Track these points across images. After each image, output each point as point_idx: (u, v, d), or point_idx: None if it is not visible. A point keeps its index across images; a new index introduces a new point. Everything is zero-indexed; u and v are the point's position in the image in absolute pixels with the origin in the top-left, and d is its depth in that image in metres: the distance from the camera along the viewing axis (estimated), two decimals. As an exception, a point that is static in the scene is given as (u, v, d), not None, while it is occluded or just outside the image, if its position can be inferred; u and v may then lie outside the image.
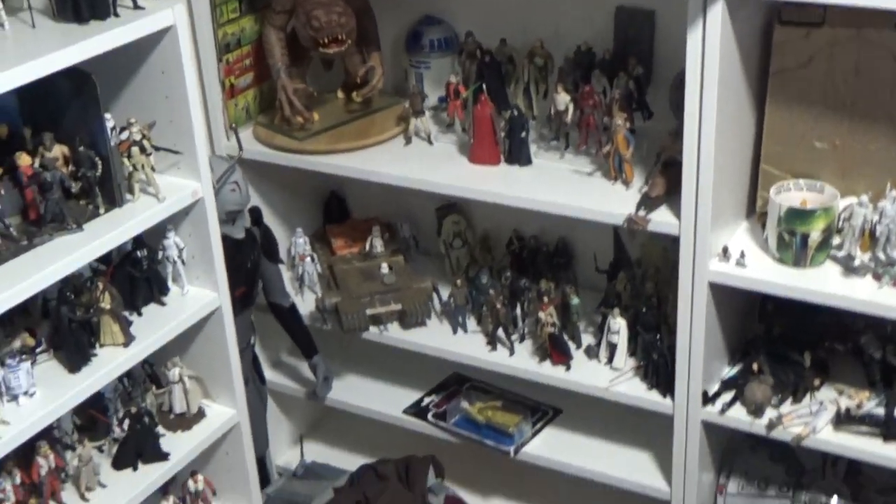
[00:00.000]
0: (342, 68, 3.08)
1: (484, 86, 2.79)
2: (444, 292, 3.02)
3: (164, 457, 2.56)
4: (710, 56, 2.26)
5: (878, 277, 2.32)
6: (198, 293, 2.57)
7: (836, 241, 2.41)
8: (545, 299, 2.77)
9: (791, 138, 2.49)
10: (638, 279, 2.81)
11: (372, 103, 3.05)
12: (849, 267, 2.37)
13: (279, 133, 2.99)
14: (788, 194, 2.44)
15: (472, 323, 2.96)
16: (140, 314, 2.49)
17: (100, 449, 2.55)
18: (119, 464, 2.53)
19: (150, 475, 2.53)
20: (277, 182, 3.15)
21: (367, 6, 2.99)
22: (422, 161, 2.84)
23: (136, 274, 2.46)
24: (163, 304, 2.53)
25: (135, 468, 2.53)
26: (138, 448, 2.52)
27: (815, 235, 2.36)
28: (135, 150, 2.37)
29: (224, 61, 2.97)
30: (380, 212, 3.31)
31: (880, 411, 2.46)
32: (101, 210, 2.35)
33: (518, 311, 2.89)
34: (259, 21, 3.01)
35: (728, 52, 2.30)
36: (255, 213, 2.93)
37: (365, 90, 3.01)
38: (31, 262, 2.17)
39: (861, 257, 2.37)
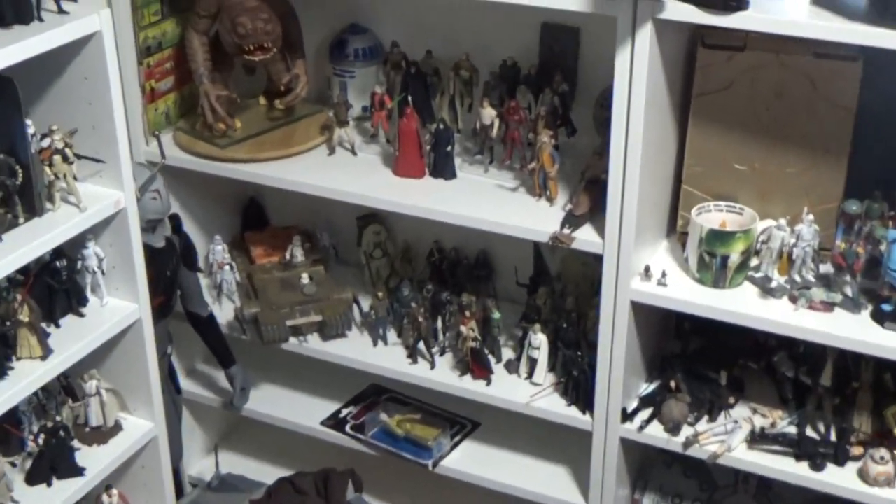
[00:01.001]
0: (265, 74, 3.09)
1: (409, 98, 2.82)
2: (365, 303, 3.05)
3: (79, 472, 2.54)
4: (637, 76, 2.33)
5: (793, 300, 2.41)
6: (117, 304, 2.56)
7: (754, 262, 2.50)
8: (467, 313, 2.81)
9: (712, 160, 2.58)
10: (558, 294, 2.88)
11: (295, 111, 3.07)
12: (766, 288, 2.46)
13: (201, 139, 2.98)
14: (709, 215, 2.52)
15: (392, 335, 3.00)
16: (58, 326, 2.47)
17: (12, 464, 2.52)
18: (33, 479, 2.50)
19: (65, 491, 2.51)
20: (196, 188, 3.14)
21: (293, 13, 3.00)
22: (345, 171, 2.86)
23: (55, 285, 2.44)
24: (82, 315, 2.51)
25: (49, 484, 2.51)
26: (53, 463, 2.50)
27: (735, 257, 2.45)
28: (56, 158, 2.35)
29: (144, 65, 2.95)
30: (299, 219, 3.32)
31: (793, 430, 2.56)
32: (21, 219, 2.32)
33: (439, 324, 2.93)
34: (181, 25, 2.99)
35: (654, 73, 2.37)
36: (175, 221, 2.92)
37: (288, 98, 3.02)
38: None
39: (778, 279, 2.47)
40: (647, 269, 2.52)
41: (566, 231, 2.53)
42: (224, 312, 3.09)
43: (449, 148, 2.77)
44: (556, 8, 2.38)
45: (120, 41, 2.84)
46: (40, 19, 2.27)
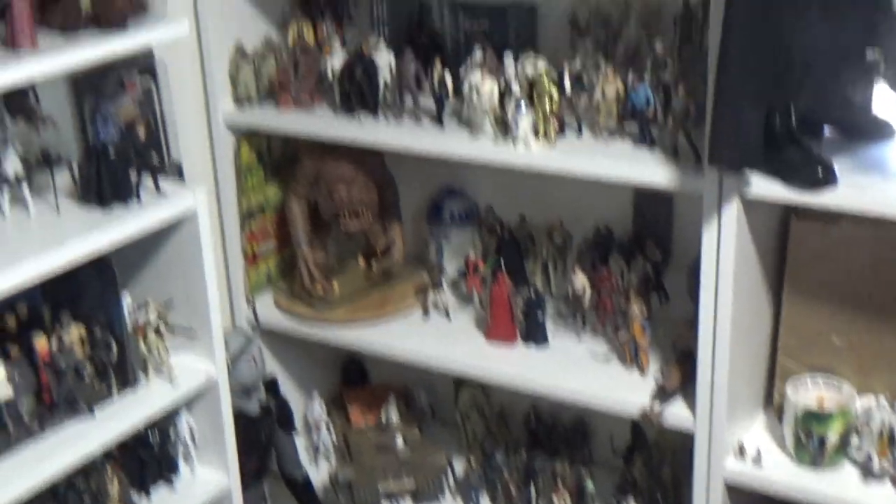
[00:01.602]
0: (363, 235, 3.15)
1: (502, 262, 2.84)
2: (459, 463, 3.03)
3: None
4: (725, 250, 2.30)
5: (896, 483, 2.31)
6: (208, 475, 2.59)
7: (854, 441, 2.40)
8: (560, 483, 2.77)
9: (808, 332, 2.51)
10: (655, 463, 2.81)
11: (392, 273, 3.11)
12: (867, 470, 2.36)
13: (299, 301, 3.04)
14: (805, 392, 2.44)
15: (485, 500, 2.96)
16: (148, 495, 2.52)
17: None
18: None
19: None
20: (296, 346, 3.19)
21: (390, 177, 3.07)
22: (439, 336, 2.88)
23: (146, 456, 2.49)
24: (172, 485, 2.55)
25: None
26: None
27: (833, 438, 2.36)
28: (150, 332, 2.42)
29: (247, 229, 3.04)
30: (398, 376, 3.34)
31: None
32: (115, 391, 2.39)
33: (532, 492, 2.88)
34: (283, 189, 3.09)
35: (743, 245, 2.34)
36: (271, 385, 2.96)
37: (384, 263, 3.07)
38: (42, 452, 2.21)
39: (880, 461, 2.36)
40: (741, 447, 2.45)
41: (655, 408, 2.48)
42: (320, 473, 3.10)
43: (541, 315, 2.77)
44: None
45: (224, 206, 2.97)
46: (139, 198, 2.37)
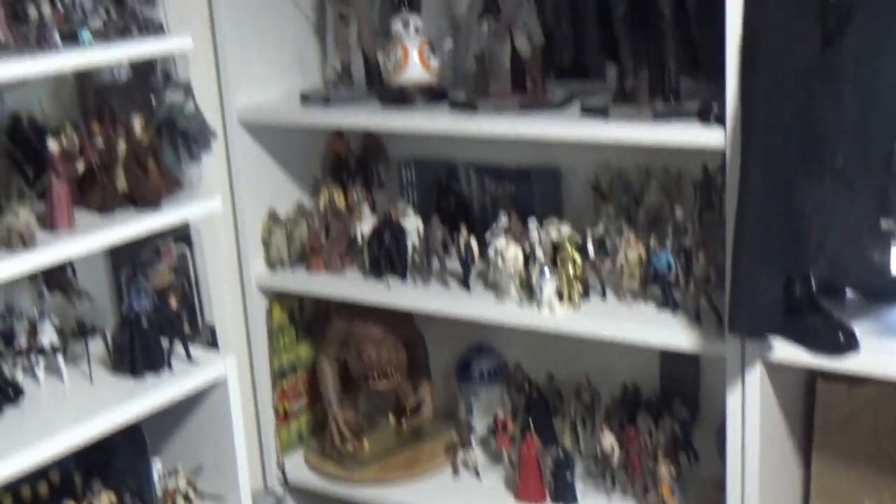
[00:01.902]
0: (393, 393, 3.17)
1: (531, 421, 2.85)
2: None
3: None
4: (750, 415, 2.31)
5: None
6: None
7: None
8: None
9: (839, 494, 2.49)
10: None
11: (422, 431, 3.12)
12: None
13: (329, 460, 3.06)
14: (837, 558, 2.41)
15: None
16: None
17: None
18: None
19: None
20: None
21: (419, 336, 3.11)
22: (469, 496, 2.88)
23: None
24: None
25: None
26: None
27: None
28: (179, 499, 2.44)
29: (279, 387, 3.08)
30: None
31: None
32: (143, 560, 2.41)
33: None
34: (314, 348, 3.14)
35: (769, 408, 2.35)
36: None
37: (414, 421, 3.09)
38: None
39: None
40: None
41: (685, 574, 2.46)
42: None
43: (569, 475, 2.76)
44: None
45: (256, 365, 3.02)
46: (170, 367, 2.43)
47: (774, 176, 2.14)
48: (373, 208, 2.96)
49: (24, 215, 2.10)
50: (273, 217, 2.97)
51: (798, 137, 2.11)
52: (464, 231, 2.71)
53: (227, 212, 2.89)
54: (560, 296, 2.56)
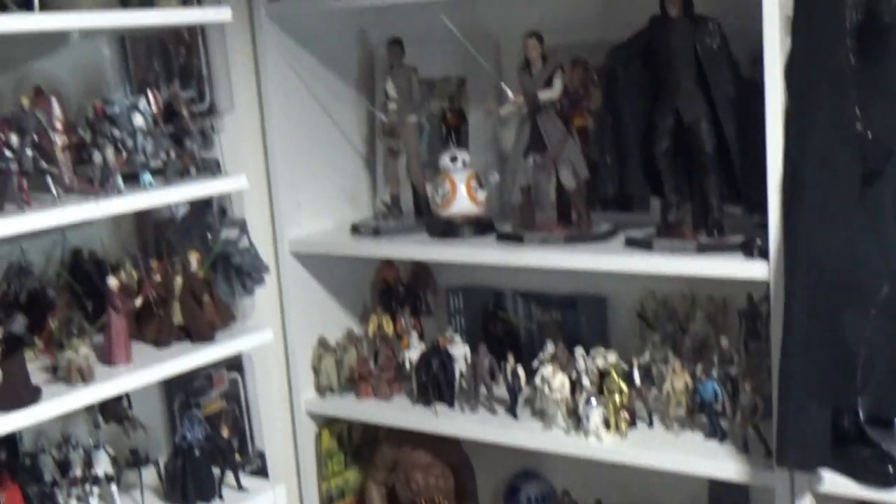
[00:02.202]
0: None
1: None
2: None
3: None
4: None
5: None
6: None
7: None
8: None
9: None
10: None
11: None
12: None
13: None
14: None
15: None
16: None
17: None
18: None
19: None
20: None
21: (466, 462, 3.11)
22: None
23: None
24: None
25: None
26: None
27: None
28: None
29: (327, 515, 3.10)
30: None
31: None
32: None
33: None
34: (362, 473, 3.15)
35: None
36: None
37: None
38: None
39: None
40: None
41: None
42: None
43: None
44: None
45: (305, 491, 3.04)
46: (221, 497, 2.45)
47: (819, 308, 2.15)
48: (421, 335, 2.99)
49: (83, 351, 2.16)
50: (323, 344, 3.02)
51: (842, 270, 2.13)
52: (511, 359, 2.74)
53: (279, 339, 2.94)
54: (607, 424, 2.56)
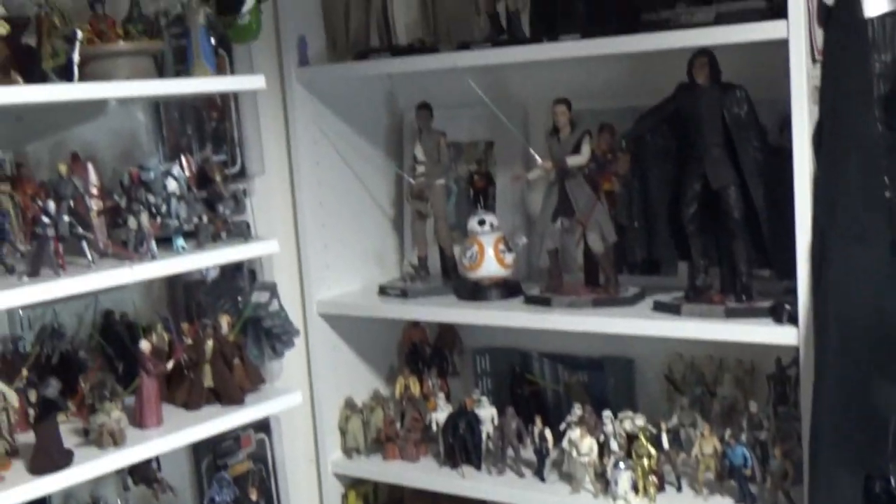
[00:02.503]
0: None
1: None
2: None
3: None
4: None
5: None
6: None
7: None
8: None
9: None
10: None
11: None
12: None
13: None
14: None
15: None
16: None
17: None
18: None
19: None
20: None
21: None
22: None
23: None
24: None
25: None
26: None
27: None
28: None
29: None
30: None
31: None
32: None
33: None
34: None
35: None
36: None
37: None
38: None
39: None
40: None
41: None
42: None
43: None
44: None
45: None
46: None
47: (849, 375, 2.15)
48: (448, 397, 2.99)
49: (115, 414, 2.17)
50: (350, 405, 3.02)
51: (872, 338, 2.13)
52: (538, 421, 2.73)
53: (306, 400, 2.94)
54: (635, 488, 2.54)
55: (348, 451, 3.02)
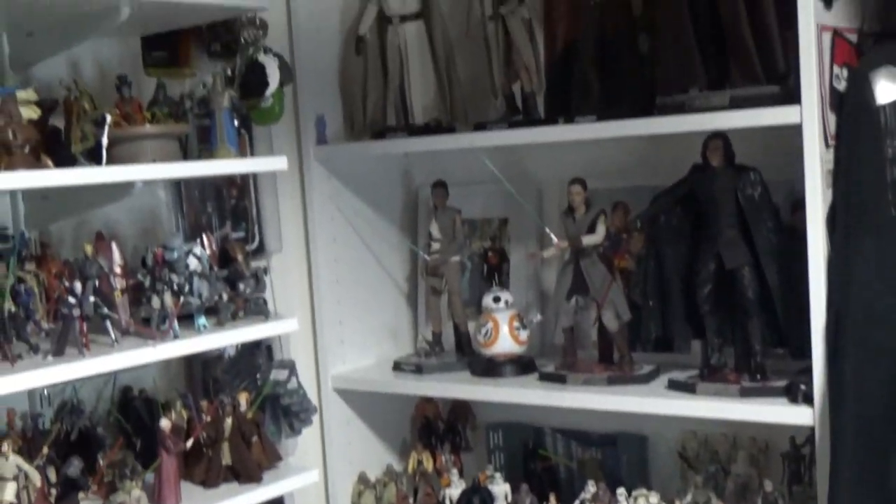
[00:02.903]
0: None
1: None
2: None
3: None
4: None
5: None
6: None
7: None
8: None
9: None
10: None
11: None
12: None
13: None
14: None
15: None
16: None
17: None
18: None
19: None
20: None
21: None
22: None
23: None
24: None
25: None
26: None
27: None
28: None
29: None
30: None
31: None
32: None
33: None
34: None
35: None
36: None
37: None
38: None
39: None
40: None
41: None
42: None
43: None
44: None
45: None
46: None
47: (866, 455, 2.15)
48: (461, 472, 2.98)
49: (136, 493, 2.17)
50: (363, 480, 3.01)
51: (889, 417, 2.13)
52: (552, 499, 2.73)
53: (319, 475, 2.93)
54: (651, 556, 2.54)
55: (360, 523, 3.01)
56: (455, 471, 2.96)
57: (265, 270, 2.50)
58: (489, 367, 2.79)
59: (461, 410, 3.14)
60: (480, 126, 2.72)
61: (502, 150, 2.86)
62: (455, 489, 2.89)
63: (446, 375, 2.87)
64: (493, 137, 2.69)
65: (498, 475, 2.87)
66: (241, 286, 2.42)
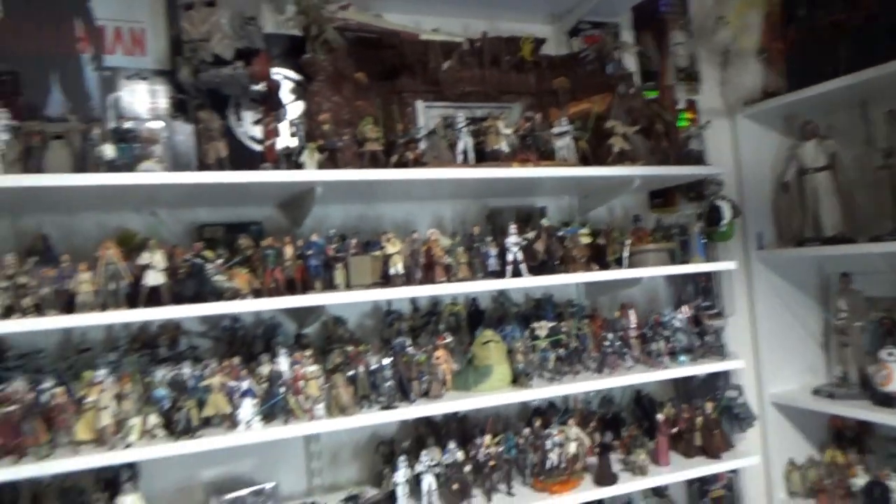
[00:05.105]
0: None
1: None
2: None
3: None
4: None
5: None
6: None
7: None
8: None
9: None
10: None
11: None
12: None
13: None
14: None
15: None
16: None
17: None
18: None
19: None
20: None
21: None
22: None
23: None
24: None
25: None
26: None
27: None
28: None
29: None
30: None
31: None
32: None
33: None
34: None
35: None
36: None
37: None
38: None
39: None
40: None
41: None
42: None
43: None
44: None
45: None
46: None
47: None
48: (865, 469, 2.54)
49: (643, 457, 2.15)
50: (792, 463, 2.70)
51: None
52: (939, 497, 2.23)
53: (760, 460, 2.70)
54: None
55: (791, 494, 2.68)
56: (860, 468, 2.54)
57: (722, 329, 2.37)
58: (885, 400, 2.37)
59: (864, 426, 2.70)
60: (875, 238, 2.36)
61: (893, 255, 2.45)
62: (860, 480, 2.47)
63: (852, 402, 2.48)
64: (886, 246, 2.31)
65: (894, 475, 2.41)
66: (707, 337, 2.32)
